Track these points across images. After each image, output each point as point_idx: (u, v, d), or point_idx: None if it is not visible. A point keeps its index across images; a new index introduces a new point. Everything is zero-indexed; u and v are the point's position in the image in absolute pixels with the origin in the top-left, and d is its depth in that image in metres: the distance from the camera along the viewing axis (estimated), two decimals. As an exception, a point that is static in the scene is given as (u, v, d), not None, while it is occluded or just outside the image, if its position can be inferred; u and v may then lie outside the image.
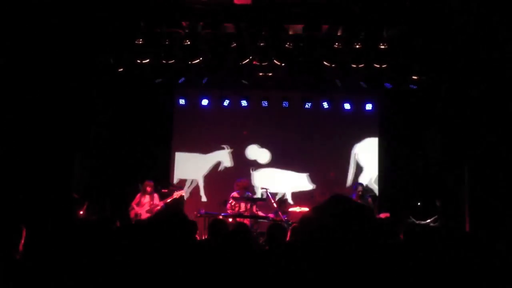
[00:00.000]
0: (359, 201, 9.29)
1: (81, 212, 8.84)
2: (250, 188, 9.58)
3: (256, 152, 11.10)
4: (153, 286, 2.92)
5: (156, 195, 9.44)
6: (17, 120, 8.85)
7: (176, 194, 9.48)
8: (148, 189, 9.39)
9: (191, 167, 11.03)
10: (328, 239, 2.03)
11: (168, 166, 11.15)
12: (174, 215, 3.35)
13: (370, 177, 11.00)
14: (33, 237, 3.84)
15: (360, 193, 9.42)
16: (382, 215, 9.50)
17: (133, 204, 9.39)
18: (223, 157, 11.05)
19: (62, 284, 3.24)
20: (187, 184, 10.91)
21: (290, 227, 7.89)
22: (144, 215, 9.00)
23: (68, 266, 3.34)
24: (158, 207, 9.28)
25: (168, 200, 9.45)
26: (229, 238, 4.00)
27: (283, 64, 9.38)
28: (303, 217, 2.21)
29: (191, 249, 3.55)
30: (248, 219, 8.91)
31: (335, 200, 2.21)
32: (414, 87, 9.99)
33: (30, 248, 3.67)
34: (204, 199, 10.92)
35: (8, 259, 3.53)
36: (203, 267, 3.23)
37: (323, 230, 2.06)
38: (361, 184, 9.66)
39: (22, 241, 3.74)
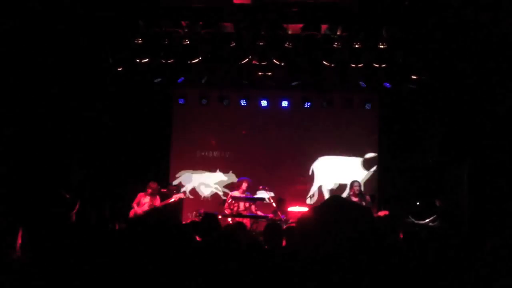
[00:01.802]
0: (356, 198, 9.28)
1: (74, 213, 8.79)
2: (251, 188, 9.58)
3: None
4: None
5: (158, 198, 9.42)
6: (15, 120, 8.85)
7: (176, 197, 9.45)
8: (149, 190, 9.38)
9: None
10: (327, 239, 2.03)
11: (167, 166, 11.14)
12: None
13: (368, 176, 11.02)
14: (30, 238, 3.82)
15: (357, 190, 9.37)
16: (381, 213, 9.48)
17: (134, 204, 9.37)
18: None
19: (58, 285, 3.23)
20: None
21: (285, 226, 7.92)
22: (143, 215, 8.99)
23: (64, 267, 3.33)
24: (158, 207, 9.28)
25: (168, 202, 9.43)
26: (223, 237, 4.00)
27: (282, 64, 9.38)
28: (301, 217, 2.22)
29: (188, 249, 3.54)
30: (248, 219, 8.90)
31: (333, 200, 2.21)
32: (414, 87, 9.98)
33: (27, 248, 3.65)
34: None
35: (5, 259, 3.52)
36: (198, 266, 3.22)
37: (322, 230, 2.05)
38: (357, 181, 9.59)
39: (19, 242, 3.73)
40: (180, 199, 9.61)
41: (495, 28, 8.11)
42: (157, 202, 9.34)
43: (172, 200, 9.41)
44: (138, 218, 8.39)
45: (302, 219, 2.24)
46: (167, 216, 8.99)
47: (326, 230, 2.03)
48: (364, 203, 9.34)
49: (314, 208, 2.28)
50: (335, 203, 2.15)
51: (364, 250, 2.01)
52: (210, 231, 4.52)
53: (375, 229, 2.14)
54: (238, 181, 9.50)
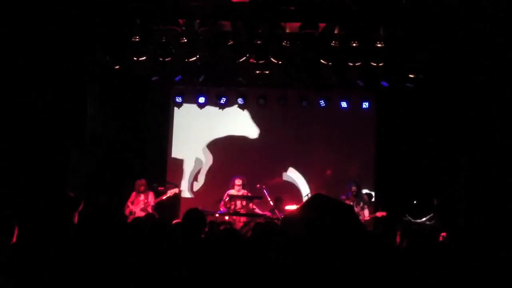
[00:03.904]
0: (353, 198, 9.28)
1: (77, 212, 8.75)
2: (247, 186, 9.58)
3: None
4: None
5: (151, 193, 9.42)
6: (13, 117, 8.82)
7: (170, 192, 9.46)
8: (142, 188, 9.38)
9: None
10: (309, 239, 2.03)
11: (164, 164, 11.13)
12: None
13: (366, 175, 11.01)
14: (26, 236, 3.80)
15: (354, 192, 9.36)
16: (379, 214, 9.47)
17: (129, 203, 9.39)
18: None
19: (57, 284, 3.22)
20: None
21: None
22: (139, 213, 8.99)
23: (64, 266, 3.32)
24: (152, 205, 9.28)
25: (163, 198, 9.44)
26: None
27: (280, 62, 9.36)
28: (285, 217, 2.24)
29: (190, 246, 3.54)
30: (244, 217, 8.91)
31: (316, 199, 2.21)
32: (411, 86, 9.98)
33: (22, 247, 3.63)
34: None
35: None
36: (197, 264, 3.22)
37: (305, 229, 2.05)
38: (355, 183, 9.59)
39: (14, 239, 3.70)
40: (175, 194, 9.59)
41: (494, 27, 8.12)
42: (151, 198, 9.35)
43: (167, 196, 9.42)
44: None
45: (287, 218, 2.25)
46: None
47: (309, 229, 2.03)
48: (361, 203, 9.34)
49: (298, 208, 2.28)
50: (318, 202, 2.15)
51: (348, 248, 2.01)
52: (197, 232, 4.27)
53: (358, 227, 2.14)
54: (232, 180, 9.52)
